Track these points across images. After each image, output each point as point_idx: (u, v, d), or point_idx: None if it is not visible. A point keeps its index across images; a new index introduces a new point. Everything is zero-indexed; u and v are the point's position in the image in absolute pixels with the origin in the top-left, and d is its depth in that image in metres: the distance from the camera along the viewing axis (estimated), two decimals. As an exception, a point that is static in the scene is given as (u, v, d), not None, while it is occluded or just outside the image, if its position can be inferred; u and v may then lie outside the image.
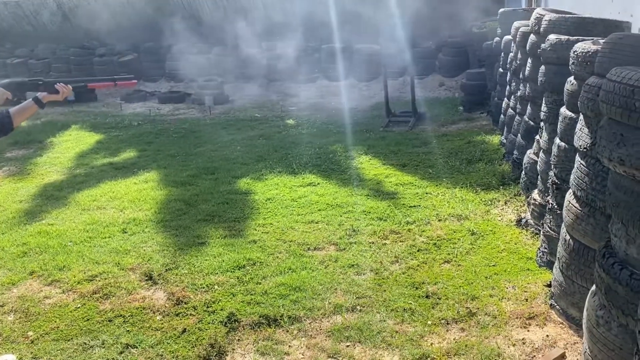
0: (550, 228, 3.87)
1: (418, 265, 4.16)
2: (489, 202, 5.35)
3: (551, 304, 3.48)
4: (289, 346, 3.29)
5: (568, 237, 3.20)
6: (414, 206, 5.37)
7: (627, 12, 4.75)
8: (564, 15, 4.76)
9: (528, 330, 3.30)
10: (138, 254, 4.62)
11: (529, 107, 5.35)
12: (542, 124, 4.48)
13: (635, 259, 2.30)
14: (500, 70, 7.77)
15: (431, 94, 11.78)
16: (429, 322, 3.42)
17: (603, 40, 3.09)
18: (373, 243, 4.61)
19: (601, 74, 2.81)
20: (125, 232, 5.08)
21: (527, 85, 5.30)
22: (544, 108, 4.34)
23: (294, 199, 5.74)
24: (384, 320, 3.46)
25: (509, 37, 6.95)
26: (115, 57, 14.71)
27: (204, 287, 3.99)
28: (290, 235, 4.84)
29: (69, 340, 3.44)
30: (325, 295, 3.80)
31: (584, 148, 3.00)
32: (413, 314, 3.52)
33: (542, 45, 4.37)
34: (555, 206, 3.76)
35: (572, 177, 3.16)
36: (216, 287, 3.98)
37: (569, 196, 3.22)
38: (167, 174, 6.90)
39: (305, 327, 3.45)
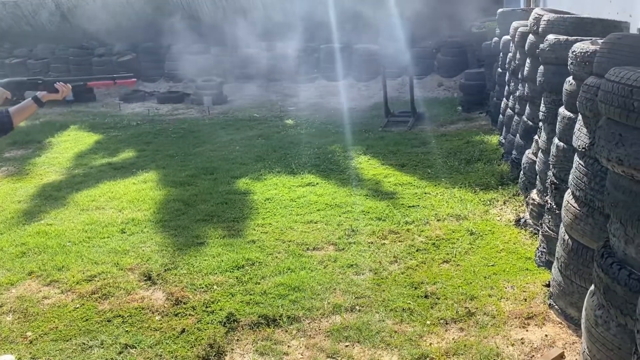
0: (549, 228, 3.87)
1: (417, 265, 4.17)
2: (488, 202, 5.36)
3: (550, 304, 3.48)
4: (288, 346, 3.29)
5: (567, 237, 3.20)
6: (413, 206, 5.37)
7: (625, 12, 4.75)
8: (562, 15, 4.76)
9: (527, 330, 3.31)
10: (137, 254, 4.61)
11: (527, 107, 5.35)
12: (540, 124, 4.49)
13: (633, 258, 2.31)
14: (499, 70, 7.77)
15: (430, 94, 11.78)
16: (428, 322, 3.42)
17: (601, 41, 3.10)
18: (372, 243, 4.61)
19: (600, 74, 2.82)
20: (124, 232, 5.08)
21: (526, 85, 5.30)
22: (542, 108, 4.34)
23: (293, 199, 5.74)
24: (383, 320, 3.46)
25: (508, 37, 6.95)
26: (114, 57, 14.70)
27: (202, 287, 3.99)
28: (289, 235, 4.84)
29: (67, 341, 3.44)
30: (324, 295, 3.80)
31: (583, 148, 3.00)
32: (412, 313, 3.52)
33: (541, 45, 4.38)
34: (554, 206, 3.77)
35: (570, 177, 3.16)
36: (215, 287, 3.98)
37: (567, 196, 3.22)
38: (166, 174, 6.90)
39: (304, 327, 3.45)
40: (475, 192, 5.64)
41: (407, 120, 9.06)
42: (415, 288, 3.83)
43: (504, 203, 5.32)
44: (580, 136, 3.05)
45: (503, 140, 6.88)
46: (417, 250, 4.42)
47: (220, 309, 3.67)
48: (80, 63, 14.85)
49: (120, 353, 3.30)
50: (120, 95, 13.06)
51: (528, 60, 5.20)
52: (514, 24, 6.37)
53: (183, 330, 3.47)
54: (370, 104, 11.13)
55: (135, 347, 3.34)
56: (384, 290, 3.82)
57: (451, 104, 10.57)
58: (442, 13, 11.98)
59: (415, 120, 9.09)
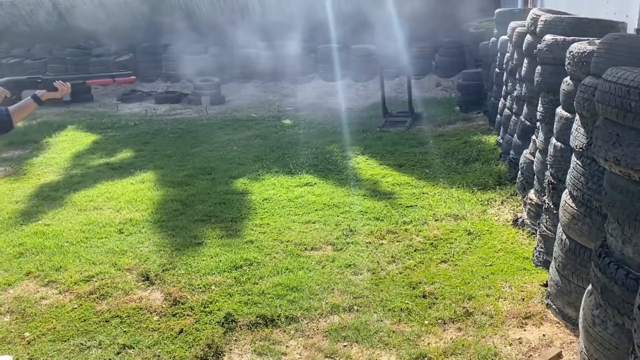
0: (546, 228, 3.88)
1: (415, 265, 4.17)
2: (486, 202, 5.37)
3: (547, 304, 3.49)
4: (286, 346, 3.29)
5: (564, 236, 3.21)
6: (411, 206, 5.38)
7: (622, 12, 4.77)
8: (560, 15, 4.77)
9: (524, 330, 3.31)
10: (135, 254, 4.61)
11: (525, 107, 5.36)
12: (538, 124, 4.49)
13: (631, 258, 2.31)
14: (497, 70, 7.79)
15: (428, 94, 11.79)
16: (426, 322, 3.42)
17: (599, 41, 3.11)
18: (370, 243, 4.61)
19: (597, 74, 2.82)
20: (122, 233, 5.08)
21: (524, 85, 5.31)
22: (540, 108, 4.35)
23: (291, 199, 5.74)
24: (381, 320, 3.47)
25: (505, 37, 6.96)
26: (112, 57, 14.67)
27: (201, 288, 3.99)
28: (287, 235, 4.84)
29: (65, 341, 3.43)
30: (323, 295, 3.80)
31: (580, 148, 3.01)
32: (410, 313, 3.52)
33: (538, 46, 4.39)
34: (552, 206, 3.77)
35: (568, 177, 3.17)
36: (213, 287, 3.98)
37: (565, 196, 3.23)
38: (164, 174, 6.89)
39: (303, 327, 3.45)
40: (473, 192, 5.65)
41: (405, 121, 9.07)
42: (413, 288, 3.83)
43: (502, 203, 5.33)
44: (578, 136, 3.06)
45: (501, 140, 6.89)
46: (415, 250, 4.42)
47: (219, 309, 3.67)
48: (77, 63, 14.82)
49: (118, 353, 3.29)
50: (117, 96, 13.04)
51: (525, 61, 5.21)
52: (512, 24, 6.38)
53: (181, 331, 3.47)
54: (368, 104, 11.14)
55: (134, 348, 3.33)
56: (382, 290, 3.83)
57: (449, 104, 10.58)
58: (440, 13, 11.99)
59: (413, 121, 9.10)
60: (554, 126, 3.74)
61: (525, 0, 9.93)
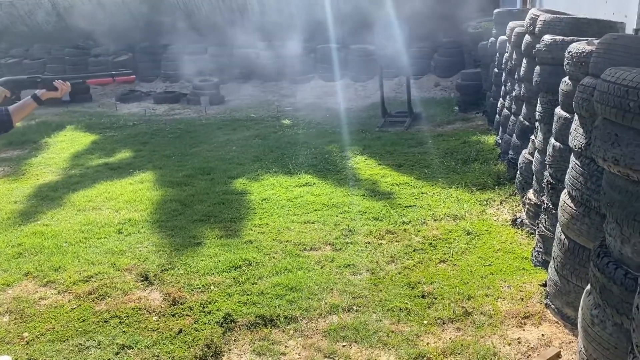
0: (545, 228, 3.88)
1: (414, 265, 4.17)
2: (485, 202, 5.37)
3: (546, 304, 3.49)
4: (285, 346, 3.29)
5: (563, 236, 3.21)
6: (410, 206, 5.38)
7: (621, 12, 4.77)
8: (558, 15, 4.78)
9: (523, 330, 3.31)
10: (134, 254, 4.61)
11: (524, 107, 5.37)
12: (537, 124, 4.50)
13: (629, 258, 2.31)
14: (496, 70, 7.79)
15: (427, 94, 11.79)
16: (425, 322, 3.43)
17: (597, 41, 3.11)
18: (369, 243, 4.61)
19: (596, 75, 2.83)
20: (121, 233, 5.07)
21: (522, 85, 5.32)
22: (539, 108, 4.35)
23: (290, 199, 5.74)
24: (380, 320, 3.47)
25: (504, 37, 6.97)
26: (111, 57, 14.67)
27: (200, 288, 3.99)
28: (286, 235, 4.84)
29: (64, 341, 3.43)
30: (322, 295, 3.81)
31: (579, 148, 3.01)
32: (409, 313, 3.53)
33: (537, 46, 4.39)
34: (551, 206, 3.78)
35: (567, 177, 3.17)
36: (212, 287, 3.98)
37: (564, 196, 3.23)
38: (163, 175, 6.89)
39: (302, 327, 3.45)
40: (472, 192, 5.65)
41: (404, 121, 9.07)
42: (413, 288, 3.83)
43: (501, 203, 5.33)
44: (577, 136, 3.06)
45: (499, 140, 6.89)
46: (414, 250, 4.43)
47: (218, 309, 3.67)
48: (76, 63, 14.81)
49: (117, 354, 3.29)
50: (116, 96, 13.03)
51: (524, 61, 5.22)
52: (511, 24, 6.38)
53: (180, 331, 3.47)
54: (367, 104, 11.14)
55: (132, 348, 3.33)
56: (381, 290, 3.83)
57: (448, 104, 10.58)
58: (439, 13, 11.99)
59: (412, 121, 9.10)
60: (553, 126, 3.74)
61: (524, 0, 9.93)
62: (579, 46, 3.40)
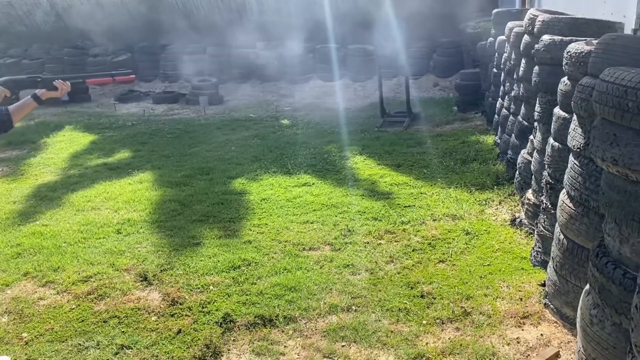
0: (544, 228, 3.89)
1: (413, 265, 4.18)
2: (484, 202, 5.37)
3: (545, 303, 3.49)
4: (285, 346, 3.29)
5: (562, 236, 3.22)
6: (409, 206, 5.38)
7: (619, 12, 4.77)
8: (557, 15, 4.78)
9: (522, 330, 3.32)
10: (133, 254, 4.61)
11: (522, 107, 5.37)
12: (536, 124, 4.50)
13: (628, 258, 2.32)
14: (494, 70, 7.80)
15: (426, 94, 11.80)
16: (424, 322, 3.43)
17: (596, 41, 3.11)
18: (368, 243, 4.61)
19: (594, 75, 2.83)
20: (120, 233, 5.07)
21: (521, 85, 5.32)
22: (537, 108, 4.36)
23: (289, 199, 5.74)
24: (379, 320, 3.47)
25: (503, 37, 6.97)
26: (109, 57, 14.66)
27: (199, 288, 3.98)
28: (286, 235, 4.84)
29: (63, 342, 3.43)
30: (321, 295, 3.81)
31: (578, 148, 3.01)
32: (408, 313, 3.53)
33: (536, 46, 4.39)
34: (549, 206, 3.78)
35: (565, 176, 3.17)
36: (211, 287, 3.98)
37: (562, 196, 3.24)
38: (162, 175, 6.89)
39: (301, 327, 3.45)
40: (470, 192, 5.66)
41: (403, 121, 9.08)
42: (412, 288, 3.84)
43: (500, 203, 5.33)
44: (575, 136, 3.06)
45: (498, 140, 6.90)
46: (413, 250, 4.43)
47: (217, 310, 3.66)
48: (75, 63, 14.80)
49: (116, 354, 3.29)
50: (115, 96, 13.02)
51: (523, 61, 5.22)
52: (509, 24, 6.39)
53: (179, 331, 3.47)
54: (366, 104, 11.14)
55: (132, 348, 3.33)
56: (380, 290, 3.83)
57: (447, 104, 10.59)
58: (438, 13, 12.00)
59: (411, 121, 9.11)
60: (552, 126, 3.75)
61: (522, 0, 9.94)
62: (577, 46, 3.40)
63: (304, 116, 10.25)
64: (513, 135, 5.76)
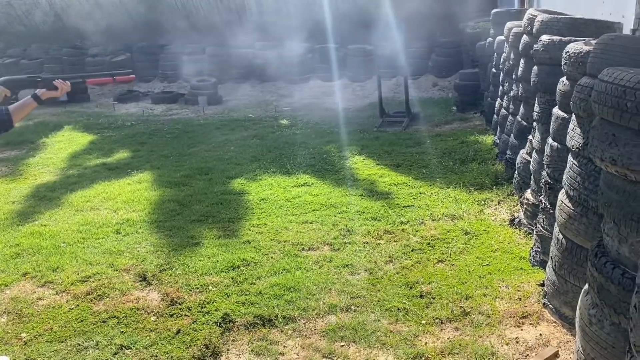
0: (543, 227, 3.89)
1: (412, 265, 4.18)
2: (483, 202, 5.38)
3: (544, 303, 3.50)
4: (284, 346, 3.29)
5: (561, 236, 3.22)
6: (408, 206, 5.38)
7: (618, 13, 4.78)
8: (556, 16, 4.78)
9: (521, 329, 3.32)
10: (132, 254, 4.60)
11: (521, 107, 5.38)
12: (534, 124, 4.51)
13: (627, 257, 2.32)
14: (493, 70, 7.80)
15: (425, 94, 11.81)
16: (423, 322, 3.43)
17: (595, 41, 3.12)
18: (367, 243, 4.62)
19: (593, 75, 2.83)
20: (119, 233, 5.07)
21: (520, 85, 5.33)
22: (536, 108, 4.36)
23: (288, 199, 5.74)
24: (379, 320, 3.47)
25: (502, 37, 6.98)
26: (108, 57, 14.65)
27: (198, 288, 3.98)
28: (285, 235, 4.84)
29: (62, 342, 3.43)
30: (320, 295, 3.81)
31: (577, 148, 3.02)
32: (407, 313, 3.53)
33: (535, 46, 4.40)
34: (548, 206, 3.78)
35: (564, 176, 3.18)
36: (210, 287, 3.98)
37: (561, 196, 3.24)
38: (161, 175, 6.88)
39: (300, 327, 3.46)
40: (469, 192, 5.66)
41: (402, 121, 9.08)
42: (411, 288, 3.84)
43: (499, 203, 5.34)
44: (574, 136, 3.07)
45: (497, 140, 6.90)
46: (412, 250, 4.43)
47: (216, 310, 3.66)
48: (74, 63, 14.80)
49: (115, 354, 3.29)
50: (114, 96, 13.02)
51: (522, 61, 5.22)
52: (508, 24, 6.39)
53: (178, 331, 3.47)
54: (365, 104, 11.15)
55: (131, 348, 3.33)
56: (379, 290, 3.83)
57: (446, 104, 10.60)
58: (437, 13, 12.01)
59: (410, 121, 9.11)
60: (551, 126, 3.75)
61: (521, 0, 9.95)
62: (576, 46, 3.40)
63: (303, 116, 10.25)
64: (512, 135, 5.77)
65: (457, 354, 3.11)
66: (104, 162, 7.66)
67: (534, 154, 4.45)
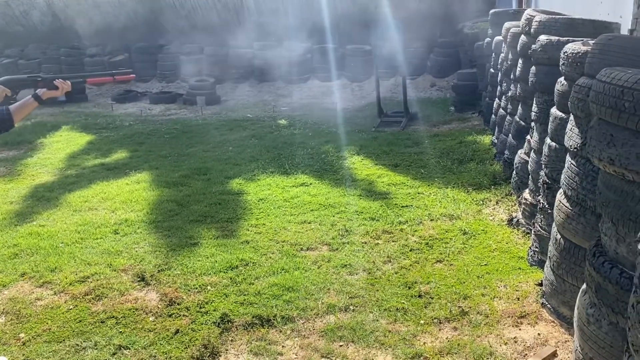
0: (541, 227, 3.90)
1: (410, 265, 4.18)
2: (481, 202, 5.38)
3: (542, 303, 3.50)
4: (282, 346, 3.29)
5: (559, 236, 3.23)
6: (406, 206, 5.39)
7: (616, 13, 4.79)
8: (554, 16, 4.79)
9: (520, 329, 3.33)
10: (130, 255, 4.60)
11: (519, 107, 5.38)
12: (533, 124, 4.51)
13: (625, 257, 2.33)
14: (492, 70, 7.81)
15: (423, 94, 11.82)
16: (422, 322, 3.43)
17: (593, 42, 3.12)
18: (366, 243, 4.62)
19: (591, 75, 2.84)
20: (117, 233, 5.06)
21: (518, 85, 5.33)
22: (534, 108, 4.37)
23: (287, 199, 5.74)
24: (377, 320, 3.47)
25: (500, 37, 6.99)
26: (106, 57, 14.63)
27: (196, 288, 3.98)
28: (283, 235, 4.85)
29: (61, 342, 3.42)
30: (318, 295, 3.81)
31: (575, 148, 3.02)
32: (406, 313, 3.53)
33: (533, 46, 4.40)
34: (546, 205, 3.79)
35: (562, 176, 3.19)
36: (209, 287, 3.98)
37: (559, 196, 3.25)
38: (159, 175, 6.88)
39: (299, 327, 3.46)
40: (468, 192, 5.67)
41: (400, 121, 9.09)
42: (409, 288, 3.84)
43: (497, 203, 5.34)
44: (572, 136, 3.07)
45: (495, 140, 6.91)
46: (410, 250, 4.44)
47: (214, 310, 3.66)
48: (72, 63, 14.76)
49: (114, 354, 3.29)
50: (112, 96, 13.01)
51: (520, 61, 5.23)
52: (506, 24, 6.40)
53: (177, 331, 3.47)
54: (364, 104, 11.15)
55: (129, 348, 3.33)
56: (377, 290, 3.83)
57: (444, 104, 10.61)
58: (436, 14, 12.02)
59: (408, 121, 9.12)
60: (549, 126, 3.76)
61: (519, 1, 9.97)
62: (574, 47, 3.41)
63: (301, 116, 10.25)
64: (510, 135, 5.77)
65: (456, 353, 3.11)
66: (102, 162, 7.65)
67: (532, 154, 4.45)
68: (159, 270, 4.29)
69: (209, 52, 14.05)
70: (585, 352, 2.57)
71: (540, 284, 3.66)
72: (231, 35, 13.50)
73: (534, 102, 4.40)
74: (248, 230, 4.99)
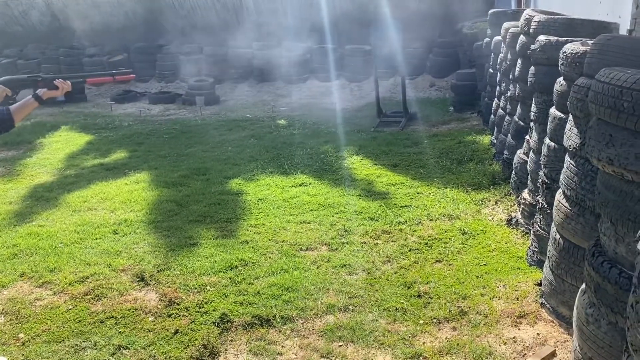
0: (540, 227, 3.90)
1: (410, 265, 4.18)
2: (480, 202, 5.39)
3: (542, 303, 3.51)
4: (282, 346, 3.29)
5: (558, 236, 3.23)
6: (406, 206, 5.39)
7: (615, 13, 4.79)
8: (553, 16, 4.80)
9: (519, 329, 3.33)
10: (129, 255, 4.60)
11: (518, 107, 5.39)
12: (532, 124, 4.52)
13: (624, 257, 2.33)
14: (491, 70, 7.82)
15: (422, 94, 11.82)
16: (421, 322, 3.44)
17: (592, 42, 3.13)
18: (365, 243, 4.62)
19: (590, 75, 2.84)
20: (117, 233, 5.06)
21: (517, 85, 5.34)
22: (533, 108, 4.37)
23: (286, 199, 5.75)
24: (376, 320, 3.48)
25: (499, 37, 6.99)
26: (105, 57, 14.61)
27: (196, 288, 3.98)
28: (282, 235, 4.85)
29: (60, 342, 3.42)
30: (318, 295, 3.81)
31: (574, 148, 3.03)
32: (405, 313, 3.54)
33: (532, 46, 4.41)
34: (545, 205, 3.80)
35: (561, 176, 3.19)
36: (208, 287, 3.98)
37: (558, 196, 3.25)
38: (158, 175, 6.88)
39: (298, 327, 3.46)
40: (467, 192, 5.67)
41: (399, 121, 9.09)
42: (408, 288, 3.85)
43: (496, 203, 5.35)
44: (571, 136, 3.08)
45: (494, 140, 6.92)
46: (409, 250, 4.44)
47: (214, 310, 3.67)
48: (71, 63, 14.75)
49: (113, 354, 3.29)
50: (111, 96, 12.99)
51: (519, 61, 5.24)
52: (505, 24, 6.40)
53: (176, 331, 3.47)
54: (363, 104, 11.15)
55: (129, 348, 3.33)
56: (377, 290, 3.84)
57: (443, 104, 10.61)
58: (435, 14, 12.02)
59: (407, 121, 9.12)
60: (548, 126, 3.76)
61: (518, 1, 9.97)
62: (573, 47, 3.41)
63: (300, 116, 10.25)
64: (509, 135, 5.78)
65: (455, 353, 3.12)
66: (102, 163, 7.65)
67: (531, 154, 4.46)
68: (158, 271, 4.29)
69: (208, 52, 14.04)
70: (584, 352, 2.57)
71: (540, 284, 3.66)
72: (230, 35, 13.50)
73: (533, 102, 4.40)
74: (247, 230, 4.99)
